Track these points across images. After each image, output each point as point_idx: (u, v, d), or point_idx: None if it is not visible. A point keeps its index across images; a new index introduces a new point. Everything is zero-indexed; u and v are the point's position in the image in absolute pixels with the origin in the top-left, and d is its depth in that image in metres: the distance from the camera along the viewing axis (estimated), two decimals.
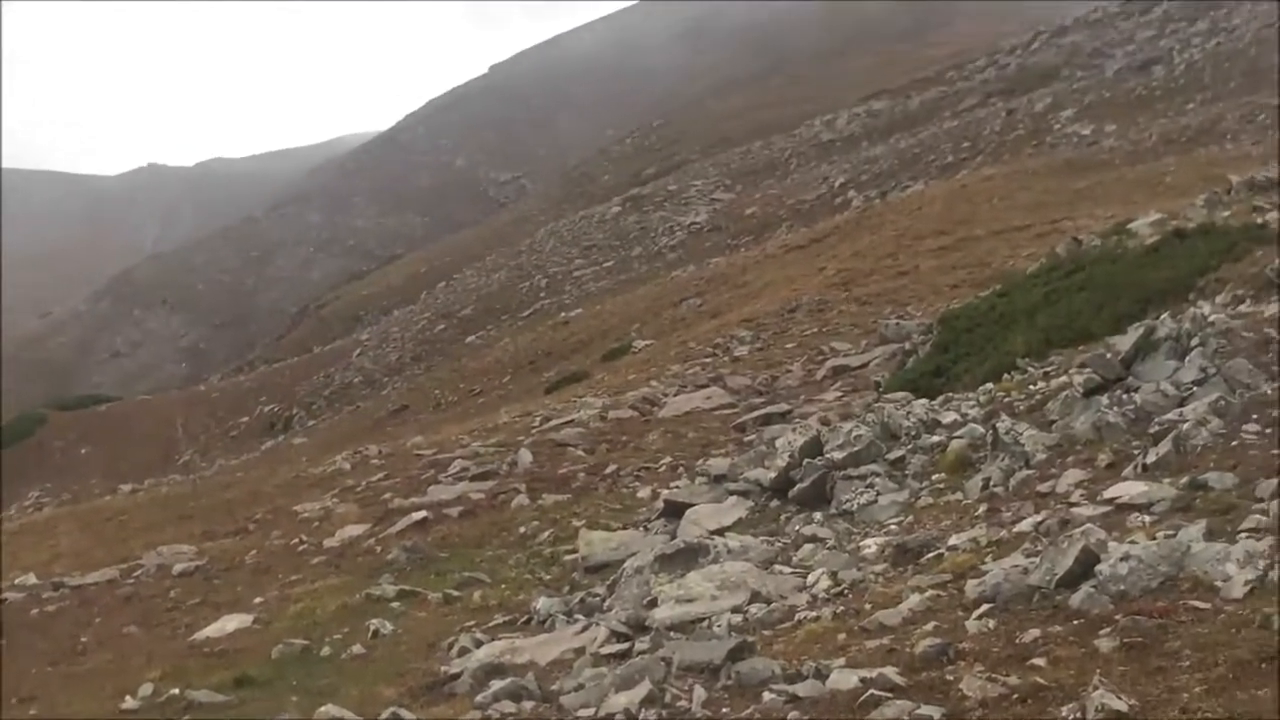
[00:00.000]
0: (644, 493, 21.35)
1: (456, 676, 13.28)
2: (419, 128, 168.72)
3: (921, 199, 51.30)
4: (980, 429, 16.80)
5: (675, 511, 17.99)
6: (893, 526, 14.80)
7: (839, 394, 25.20)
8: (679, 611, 12.66)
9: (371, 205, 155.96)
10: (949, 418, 18.07)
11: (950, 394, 19.77)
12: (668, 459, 23.13)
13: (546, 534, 20.22)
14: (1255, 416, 14.24)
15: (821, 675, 9.92)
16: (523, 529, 20.84)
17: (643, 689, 10.42)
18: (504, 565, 19.15)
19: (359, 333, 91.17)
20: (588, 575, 17.00)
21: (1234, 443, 13.82)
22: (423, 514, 22.59)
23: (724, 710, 9.80)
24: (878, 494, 16.14)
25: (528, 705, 11.38)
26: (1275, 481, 12.11)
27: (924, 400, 19.69)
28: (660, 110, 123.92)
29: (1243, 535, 10.92)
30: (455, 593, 18.10)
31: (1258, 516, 11.32)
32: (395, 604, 18.12)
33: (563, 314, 61.07)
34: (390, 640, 16.34)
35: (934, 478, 16.20)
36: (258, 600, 20.08)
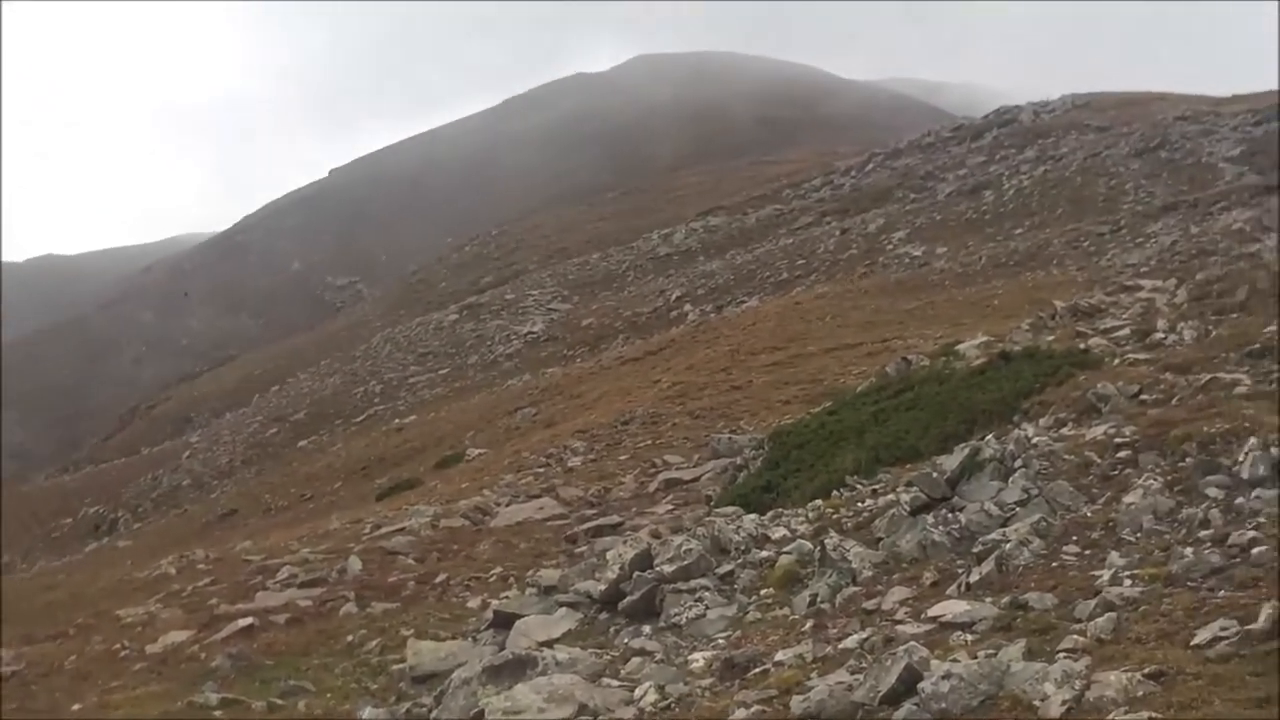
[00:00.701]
0: (474, 603, 21.22)
1: None
2: (257, 229, 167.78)
3: (756, 314, 51.81)
4: (809, 545, 16.91)
5: (505, 622, 17.88)
6: (721, 641, 14.81)
7: (670, 507, 25.27)
8: None
9: (206, 306, 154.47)
10: (778, 533, 18.18)
11: (780, 510, 19.89)
12: (498, 569, 23.02)
13: (374, 643, 20.00)
14: (1075, 538, 14.52)
15: None
16: (350, 637, 20.59)
17: None
18: (330, 674, 18.91)
19: (189, 435, 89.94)
20: (415, 685, 16.83)
21: (1054, 563, 14.07)
22: (249, 621, 22.25)
23: None
24: (706, 608, 16.16)
25: None
26: (1093, 603, 12.35)
27: (754, 515, 19.77)
28: (499, 219, 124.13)
29: (1061, 655, 11.11)
30: (279, 701, 17.82)
31: (1076, 637, 11.52)
32: (218, 712, 17.79)
33: (397, 420, 60.70)
34: None
35: (762, 593, 16.26)
36: (76, 707, 19.62)
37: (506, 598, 19.73)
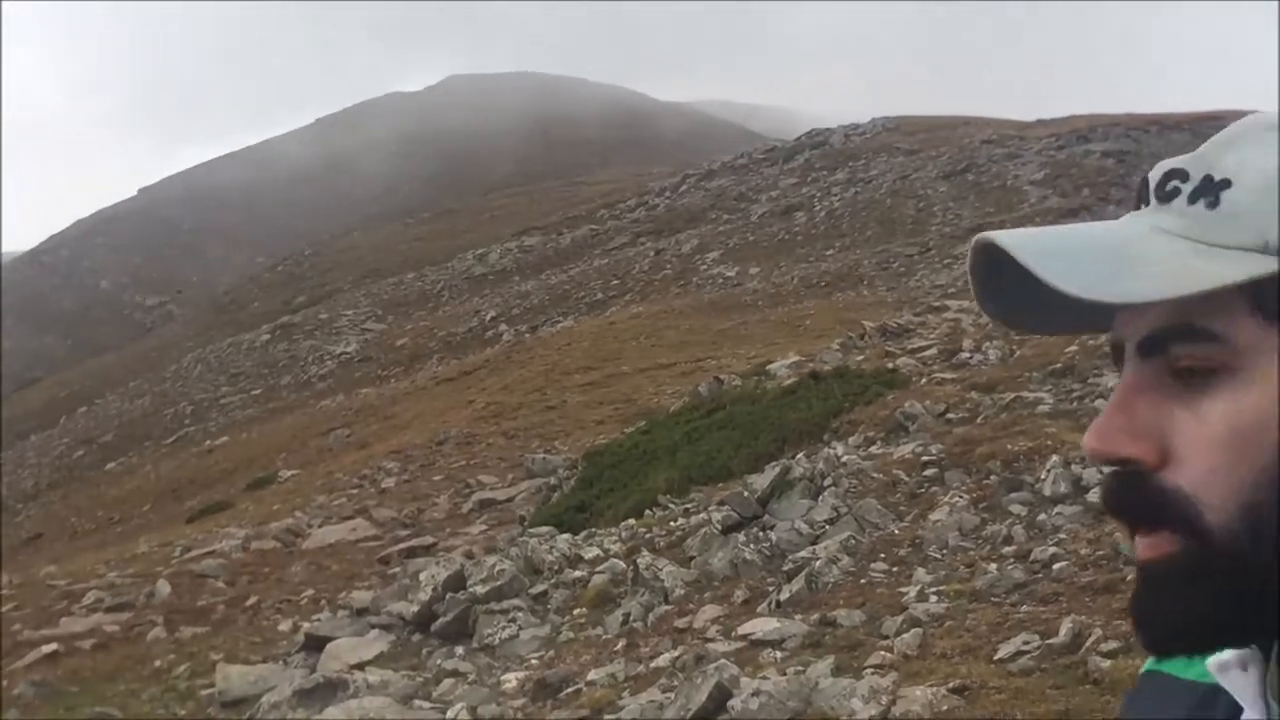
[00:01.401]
0: (285, 625, 20.94)
1: None
2: (63, 249, 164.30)
3: (571, 335, 51.84)
4: (621, 565, 16.96)
5: (316, 645, 17.71)
6: (534, 661, 14.81)
7: (484, 527, 25.16)
8: None
9: (12, 326, 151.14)
10: (591, 553, 18.21)
11: (593, 529, 19.92)
12: (310, 591, 22.76)
13: (183, 668, 19.65)
14: (883, 555, 14.71)
15: None
16: (158, 662, 20.22)
17: None
18: (137, 700, 18.55)
19: None
20: (224, 710, 16.59)
21: (863, 580, 14.25)
22: (53, 647, 21.75)
23: None
24: (520, 629, 16.15)
25: None
26: (900, 619, 12.52)
27: (567, 535, 19.79)
28: (313, 239, 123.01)
29: (868, 671, 11.24)
30: None
31: (883, 653, 11.67)
32: None
33: (208, 442, 59.81)
34: None
35: (575, 613, 16.28)
36: None
37: (318, 620, 19.53)
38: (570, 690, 12.95)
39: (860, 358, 24.29)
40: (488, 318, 67.37)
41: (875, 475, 17.01)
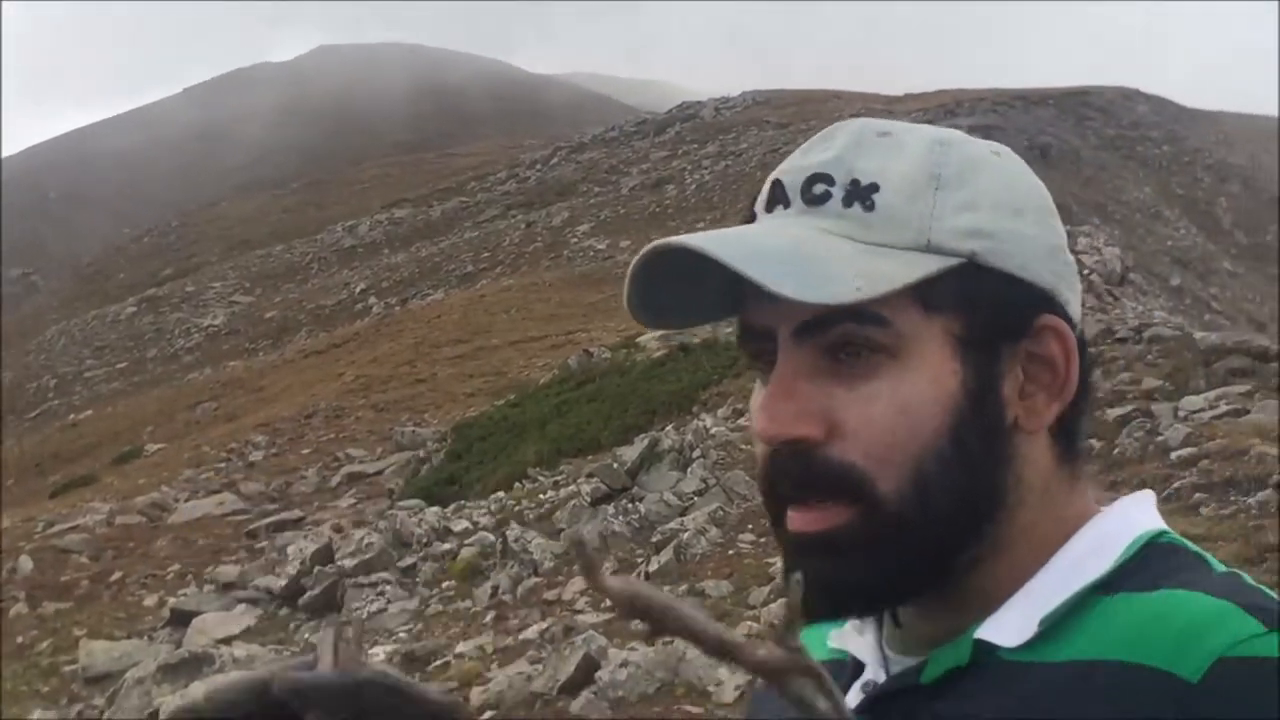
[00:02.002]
0: (150, 601, 20.68)
1: None
2: None
3: (441, 307, 51.57)
4: (491, 537, 16.95)
5: (182, 620, 17.54)
6: (402, 634, 14.77)
7: (353, 501, 25.00)
8: None
9: None
10: (460, 526, 18.18)
11: (463, 502, 19.88)
12: (176, 566, 22.48)
13: (46, 644, 19.35)
14: (751, 526, 14.78)
15: None
16: (20, 639, 19.89)
17: None
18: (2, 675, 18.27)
19: None
20: (87, 686, 16.35)
21: (730, 551, 14.32)
22: None
23: None
24: (388, 602, 16.10)
25: None
26: (767, 589, 12.59)
27: (436, 508, 19.74)
28: (180, 210, 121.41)
29: None
30: None
31: (750, 623, 11.74)
32: None
33: (72, 416, 58.90)
34: None
35: (444, 585, 16.25)
36: None
37: (184, 595, 19.34)
38: (439, 663, 12.93)
39: (728, 330, 24.31)
40: (357, 290, 66.83)
41: (744, 447, 17.06)
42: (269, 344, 62.18)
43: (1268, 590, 1.18)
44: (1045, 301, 1.27)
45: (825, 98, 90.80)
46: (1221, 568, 1.24)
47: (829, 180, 1.26)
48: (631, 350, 25.60)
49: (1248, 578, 1.20)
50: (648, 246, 1.30)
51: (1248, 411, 15.55)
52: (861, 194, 1.24)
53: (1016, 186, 1.30)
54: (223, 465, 31.43)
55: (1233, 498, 12.65)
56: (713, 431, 17.91)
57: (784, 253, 1.20)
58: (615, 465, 17.58)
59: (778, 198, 1.30)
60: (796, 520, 1.25)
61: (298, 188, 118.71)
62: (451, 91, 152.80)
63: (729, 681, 10.33)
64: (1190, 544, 1.28)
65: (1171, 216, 71.18)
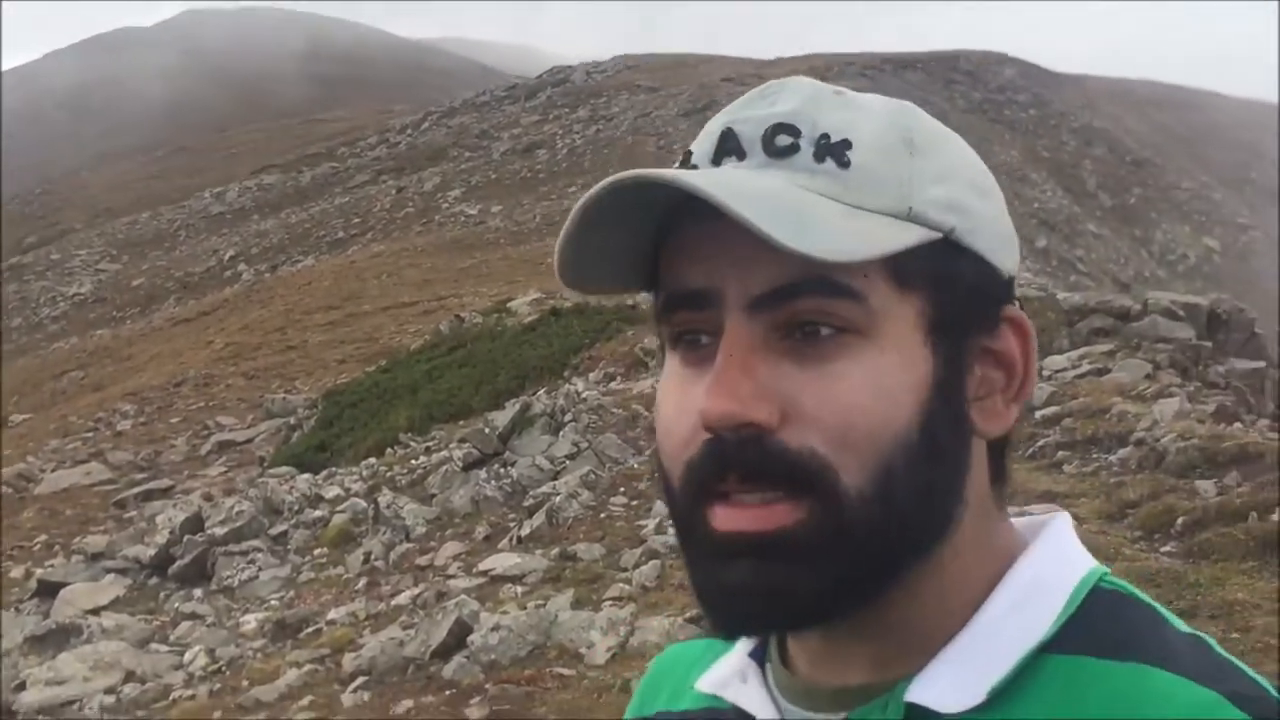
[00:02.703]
0: (17, 572, 20.37)
1: None
2: None
3: (312, 274, 51.18)
4: (362, 503, 16.89)
5: (50, 591, 17.30)
6: (274, 602, 14.68)
7: (223, 469, 24.81)
8: (49, 694, 12.20)
9: None
10: (332, 492, 18.10)
11: (334, 469, 19.80)
12: (43, 537, 22.18)
13: None
14: (622, 489, 14.85)
15: None
16: None
17: None
18: None
19: None
20: None
21: (602, 514, 14.37)
22: None
23: None
24: (259, 569, 16.00)
25: None
26: (638, 551, 12.66)
27: (308, 475, 19.64)
28: (43, 177, 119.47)
29: (607, 603, 11.36)
30: None
31: (621, 585, 11.80)
32: None
33: None
34: None
35: (316, 552, 16.17)
36: None
37: (51, 566, 19.08)
38: (310, 630, 12.88)
39: (603, 297, 24.40)
40: (226, 257, 66.15)
41: (615, 410, 17.14)
42: (137, 312, 61.42)
43: (1239, 664, 1.08)
44: (1008, 291, 1.17)
45: (696, 62, 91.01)
46: (1181, 626, 1.13)
47: (794, 132, 1.12)
48: (503, 315, 25.59)
49: (1213, 643, 1.11)
50: (607, 180, 1.13)
51: (1109, 370, 15.86)
52: (834, 150, 1.11)
53: (977, 166, 1.19)
54: (90, 435, 31.05)
55: (1095, 455, 12.90)
56: (584, 396, 17.95)
57: (771, 200, 1.06)
58: (487, 430, 17.57)
59: (730, 148, 1.15)
60: (728, 518, 1.09)
61: (163, 154, 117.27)
62: (323, 57, 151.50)
63: (600, 644, 10.39)
64: (1132, 588, 1.17)
65: (1038, 179, 72.14)
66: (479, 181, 65.36)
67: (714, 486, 1.10)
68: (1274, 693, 1.05)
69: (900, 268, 1.09)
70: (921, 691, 1.09)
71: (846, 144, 1.11)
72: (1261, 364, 18.27)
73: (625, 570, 12.24)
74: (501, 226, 53.17)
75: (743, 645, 1.26)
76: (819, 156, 1.11)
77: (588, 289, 1.25)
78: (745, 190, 1.07)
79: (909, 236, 1.09)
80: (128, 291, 67.15)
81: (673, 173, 1.11)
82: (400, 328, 33.96)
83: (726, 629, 1.15)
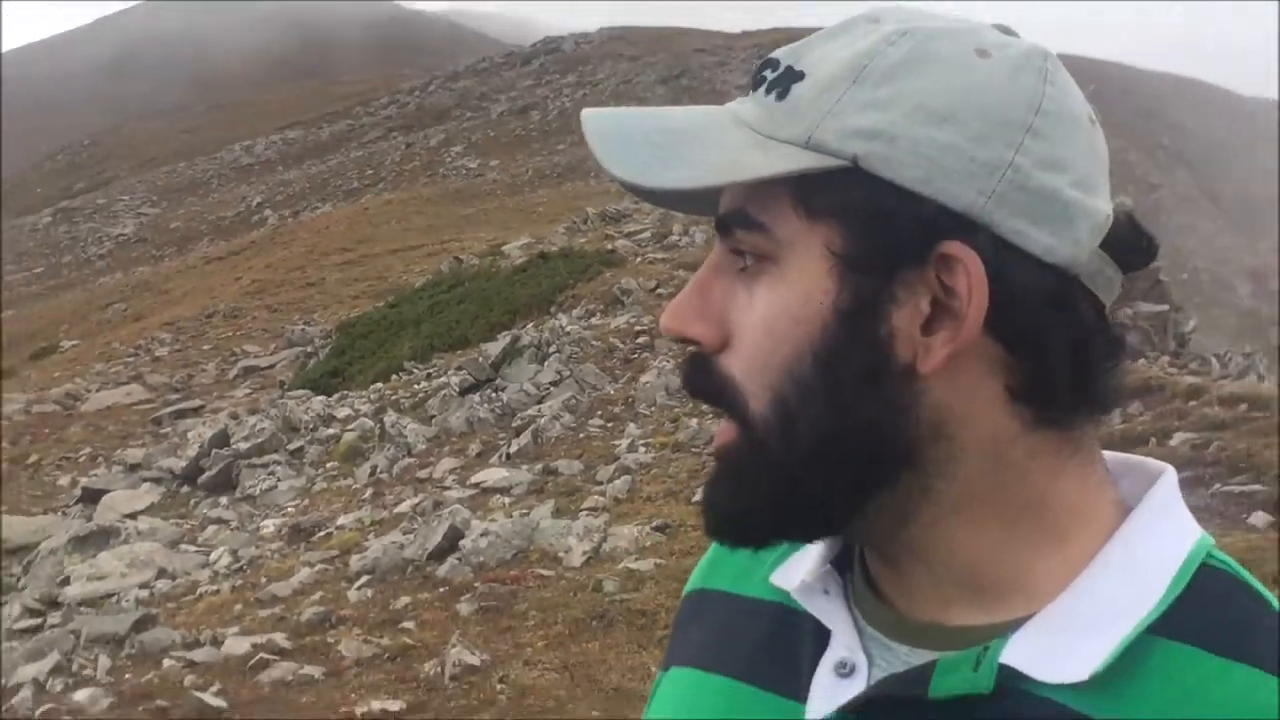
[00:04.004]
0: (64, 481, 20.34)
1: None
2: None
3: (329, 219, 50.94)
4: (370, 423, 16.89)
5: (93, 498, 17.30)
6: (290, 509, 14.70)
7: (248, 391, 24.71)
8: (90, 588, 12.22)
9: None
10: (343, 413, 18.09)
11: (345, 392, 19.77)
12: (88, 449, 22.14)
13: None
14: (599, 413, 14.89)
15: (217, 642, 9.78)
16: None
17: (51, 660, 10.02)
18: None
19: None
20: (6, 557, 16.10)
21: (581, 435, 14.42)
22: None
23: (126, 676, 9.53)
24: (278, 480, 16.01)
25: None
26: (612, 468, 12.71)
27: (322, 397, 19.62)
28: (90, 131, 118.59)
29: (584, 513, 11.40)
30: None
31: (596, 497, 11.85)
32: None
33: None
34: None
35: (328, 465, 16.18)
36: None
37: (95, 475, 19.06)
38: (322, 534, 12.90)
39: (584, 240, 24.37)
40: (254, 203, 65.83)
41: (594, 343, 17.15)
42: (174, 251, 61.15)
43: None
44: (955, 226, 0.96)
45: (674, 34, 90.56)
46: (1277, 606, 0.99)
47: (775, 65, 1.03)
48: (497, 258, 25.51)
49: None
50: (585, 118, 1.06)
51: None
52: (784, 81, 1.01)
53: (964, 92, 0.98)
54: (130, 360, 30.94)
55: None
56: (567, 329, 17.96)
57: (668, 134, 1.02)
58: (481, 359, 17.57)
59: (749, 82, 1.07)
60: (718, 432, 1.05)
61: (199, 112, 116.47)
62: (338, 24, 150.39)
63: (576, 549, 10.42)
64: (1238, 566, 1.02)
65: None
66: (478, 139, 65.06)
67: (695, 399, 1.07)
68: None
69: (806, 198, 0.98)
70: (1017, 654, 0.96)
71: (800, 75, 1.01)
72: (1165, 307, 18.31)
73: (600, 484, 12.28)
74: (498, 179, 52.98)
75: (824, 546, 1.11)
76: (769, 89, 1.02)
77: (679, 210, 1.16)
78: (632, 128, 1.03)
79: (786, 164, 0.97)
80: (166, 233, 66.82)
81: (587, 117, 1.05)
82: (407, 268, 33.83)
83: (709, 536, 1.08)
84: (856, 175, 0.97)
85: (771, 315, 0.99)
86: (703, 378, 1.03)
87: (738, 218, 1.01)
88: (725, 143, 1.01)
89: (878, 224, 0.97)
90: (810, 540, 1.09)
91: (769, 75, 1.04)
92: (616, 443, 13.54)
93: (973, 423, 0.99)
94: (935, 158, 0.96)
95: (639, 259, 22.02)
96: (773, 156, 0.98)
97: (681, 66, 69.46)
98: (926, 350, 0.97)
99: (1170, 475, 1.06)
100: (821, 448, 0.98)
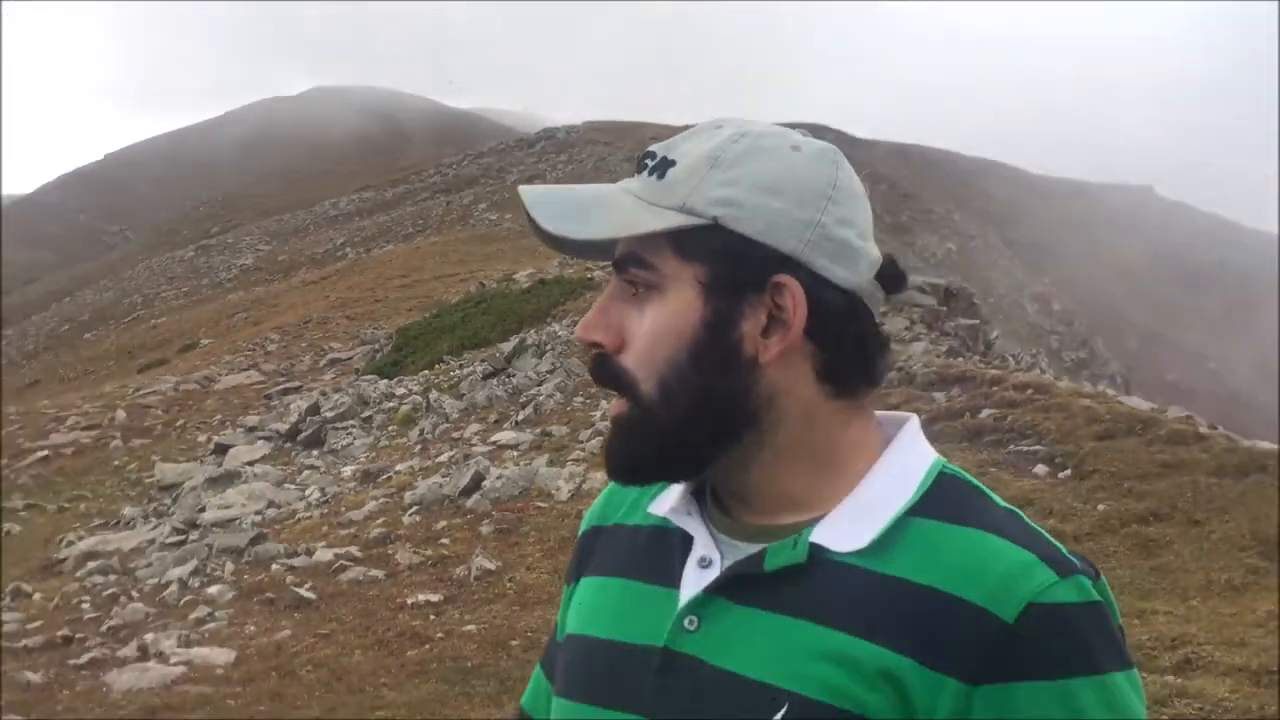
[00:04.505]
0: (202, 439, 20.17)
1: (64, 560, 12.31)
2: (51, 193, 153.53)
3: (392, 255, 50.74)
4: (420, 398, 16.82)
5: (222, 450, 17.18)
6: (362, 459, 14.62)
7: (333, 376, 24.45)
8: (219, 514, 12.15)
9: (16, 244, 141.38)
10: (400, 391, 18.01)
11: (402, 377, 19.68)
12: (219, 416, 21.91)
13: (133, 466, 18.83)
14: (581, 393, 14.85)
15: (309, 553, 9.75)
16: (116, 462, 19.34)
17: (191, 564, 9.98)
18: (103, 487, 17.75)
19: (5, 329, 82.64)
20: (160, 493, 16.02)
21: (569, 407, 14.38)
22: (45, 452, 20.66)
23: (245, 577, 9.49)
24: (354, 439, 15.93)
25: (112, 577, 10.68)
26: (589, 431, 12.68)
27: (386, 380, 19.52)
28: (222, 192, 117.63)
29: (570, 463, 11.37)
30: (67, 505, 16.67)
31: (579, 452, 11.82)
32: (23, 513, 16.56)
33: (153, 321, 57.07)
34: (17, 538, 14.92)
35: (390, 429, 16.11)
36: None
37: (224, 435, 18.93)
38: (384, 477, 12.86)
39: (570, 270, 24.29)
40: (338, 243, 65.39)
41: (577, 344, 17.08)
42: (280, 276, 60.59)
43: (1043, 532, 1.04)
44: (783, 264, 1.05)
45: (636, 126, 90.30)
46: (1001, 502, 1.08)
47: (654, 156, 1.11)
48: (509, 283, 25.44)
49: (1024, 516, 1.06)
50: (522, 191, 1.13)
51: (883, 323, 15.86)
52: (662, 167, 1.08)
53: (785, 174, 1.06)
54: (250, 353, 30.71)
55: None
56: (559, 334, 17.91)
57: (578, 202, 1.09)
58: (498, 354, 17.51)
59: (638, 167, 1.13)
60: (611, 407, 1.11)
61: (300, 179, 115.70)
62: (401, 119, 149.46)
63: (564, 488, 10.41)
64: (965, 474, 1.11)
65: None
66: (497, 199, 64.69)
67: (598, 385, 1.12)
68: (1068, 554, 1.02)
69: (681, 244, 1.05)
70: (821, 535, 1.04)
71: (672, 163, 1.08)
72: (976, 322, 18.42)
73: (582, 442, 12.26)
74: (511, 227, 52.71)
75: (685, 486, 1.16)
76: (651, 172, 1.09)
77: (573, 256, 1.20)
78: (567, 196, 1.11)
79: (668, 221, 1.05)
80: (275, 264, 66.24)
81: (524, 191, 1.12)
82: (446, 289, 33.67)
83: (610, 478, 1.13)
84: (716, 230, 1.05)
85: (658, 326, 1.06)
86: (605, 370, 1.09)
87: (632, 260, 1.07)
88: (622, 207, 1.08)
89: (731, 262, 1.05)
90: (683, 480, 1.13)
91: (650, 163, 1.11)
92: (594, 413, 13.51)
93: (793, 396, 1.07)
94: (770, 218, 1.05)
95: (609, 284, 21.96)
96: (658, 217, 1.06)
97: (641, 150, 69.07)
98: (765, 348, 1.05)
99: (915, 420, 1.15)
100: (691, 414, 1.05)
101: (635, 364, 1.07)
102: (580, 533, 1.30)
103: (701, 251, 1.06)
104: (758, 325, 1.05)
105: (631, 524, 1.21)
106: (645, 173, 1.10)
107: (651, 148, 1.13)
